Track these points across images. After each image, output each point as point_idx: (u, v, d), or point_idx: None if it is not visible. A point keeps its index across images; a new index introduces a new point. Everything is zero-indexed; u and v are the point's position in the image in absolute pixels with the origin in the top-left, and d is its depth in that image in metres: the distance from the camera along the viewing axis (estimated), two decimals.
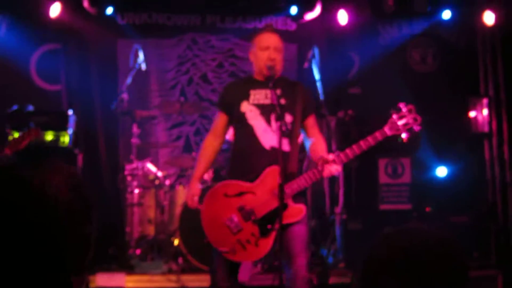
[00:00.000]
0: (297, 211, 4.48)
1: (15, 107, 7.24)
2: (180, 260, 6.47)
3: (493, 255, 7.69)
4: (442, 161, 8.34)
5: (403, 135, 4.57)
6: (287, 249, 4.39)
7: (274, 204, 4.43)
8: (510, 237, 7.80)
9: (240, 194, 4.52)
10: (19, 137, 5.59)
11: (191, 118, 8.56)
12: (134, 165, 7.13)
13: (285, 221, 4.33)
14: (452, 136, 8.64)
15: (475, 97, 8.61)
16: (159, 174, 7.30)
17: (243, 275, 6.03)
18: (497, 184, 8.39)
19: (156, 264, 6.52)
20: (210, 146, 4.78)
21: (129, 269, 6.45)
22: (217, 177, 6.60)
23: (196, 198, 4.66)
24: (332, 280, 6.43)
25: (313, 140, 4.71)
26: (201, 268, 6.18)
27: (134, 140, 7.24)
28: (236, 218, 4.48)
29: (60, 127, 7.26)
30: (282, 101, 4.54)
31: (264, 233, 4.46)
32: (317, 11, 8.71)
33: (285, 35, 8.73)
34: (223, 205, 4.52)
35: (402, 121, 4.55)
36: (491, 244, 7.81)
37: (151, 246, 6.87)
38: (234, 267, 4.67)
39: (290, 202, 4.43)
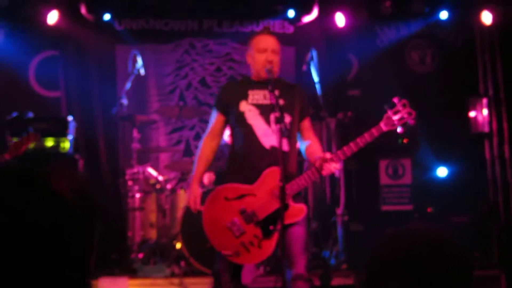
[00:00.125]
0: (298, 211, 4.49)
1: (14, 114, 7.24)
2: (182, 263, 6.46)
3: (495, 255, 7.68)
4: (442, 161, 8.35)
5: (399, 129, 4.59)
6: (287, 250, 4.39)
7: (275, 205, 4.43)
8: None
9: (241, 196, 4.52)
10: (18, 142, 5.60)
11: (191, 123, 8.57)
12: (135, 169, 7.14)
13: (287, 221, 4.32)
14: (452, 136, 8.64)
15: (475, 97, 8.61)
16: (160, 178, 7.30)
17: (246, 278, 6.02)
18: (498, 183, 8.39)
19: (158, 268, 6.51)
20: (208, 147, 4.77)
21: (132, 273, 6.45)
22: (219, 181, 6.59)
23: (198, 200, 4.65)
24: (335, 281, 6.42)
25: (309, 143, 4.72)
26: (203, 271, 6.18)
27: (135, 145, 7.25)
28: (238, 221, 4.48)
29: (60, 133, 7.27)
30: (281, 102, 4.54)
31: (267, 234, 4.47)
32: (314, 14, 8.72)
33: (282, 38, 8.73)
34: (224, 208, 4.52)
35: (397, 116, 4.57)
36: (493, 244, 7.80)
37: (153, 250, 6.87)
38: (237, 270, 4.67)
39: (290, 202, 4.43)
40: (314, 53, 6.85)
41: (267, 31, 4.86)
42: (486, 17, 8.45)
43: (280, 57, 4.80)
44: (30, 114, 7.35)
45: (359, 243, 7.00)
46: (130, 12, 8.68)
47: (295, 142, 4.73)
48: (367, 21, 8.85)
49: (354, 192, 7.52)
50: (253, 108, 4.63)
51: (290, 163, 4.60)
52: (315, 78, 6.82)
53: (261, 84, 4.69)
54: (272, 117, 4.58)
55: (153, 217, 7.43)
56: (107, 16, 8.47)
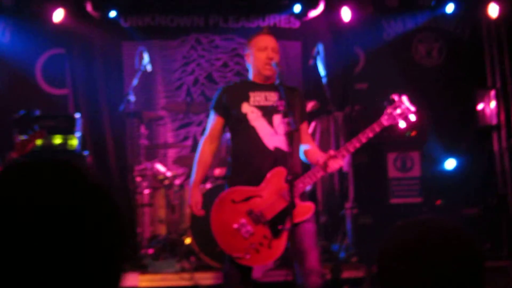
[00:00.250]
0: (306, 209, 4.50)
1: (22, 112, 7.26)
2: (192, 258, 6.47)
3: (505, 246, 7.66)
4: (451, 154, 8.33)
5: (401, 124, 4.62)
6: (298, 246, 4.39)
7: (282, 204, 4.47)
8: None
9: (247, 198, 4.52)
10: (25, 140, 5.61)
11: (198, 118, 8.57)
12: (143, 166, 7.14)
13: (296, 219, 4.32)
14: (460, 129, 8.63)
15: (483, 90, 8.59)
16: (168, 174, 7.31)
17: (256, 272, 6.03)
18: (507, 175, 8.38)
19: (168, 263, 6.51)
20: (207, 150, 4.76)
21: (142, 269, 6.45)
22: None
23: (199, 206, 4.64)
24: (345, 274, 6.42)
25: (308, 145, 4.76)
26: (213, 265, 6.18)
27: (142, 141, 7.26)
28: (246, 222, 4.48)
29: (68, 131, 7.29)
30: (282, 103, 4.55)
31: (276, 234, 4.47)
32: (320, 8, 8.71)
33: (289, 33, 8.88)
34: (231, 211, 4.52)
35: (397, 111, 4.63)
36: (503, 235, 7.78)
37: (163, 246, 6.87)
38: (247, 271, 4.67)
39: (297, 201, 4.43)
40: (320, 48, 6.84)
41: (266, 30, 4.87)
42: (493, 10, 8.42)
43: (280, 57, 4.82)
44: (37, 112, 7.36)
45: (368, 236, 6.99)
46: (136, 9, 8.69)
47: (298, 143, 4.73)
48: (373, 15, 8.84)
49: (363, 186, 7.50)
50: (256, 110, 4.63)
51: (295, 163, 4.60)
52: (322, 72, 6.81)
53: (262, 85, 4.72)
54: (274, 118, 4.60)
55: (162, 213, 7.44)
56: (113, 13, 8.48)
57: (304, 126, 4.79)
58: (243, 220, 4.49)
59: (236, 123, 4.69)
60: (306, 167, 4.69)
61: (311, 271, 4.41)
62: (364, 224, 7.21)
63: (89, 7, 8.34)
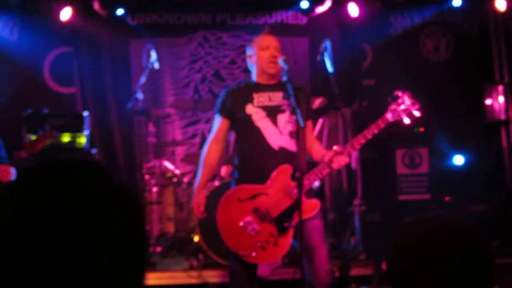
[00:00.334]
0: (312, 206, 4.51)
1: (30, 111, 7.28)
2: (200, 256, 6.47)
3: None
4: (459, 150, 8.31)
5: (406, 120, 4.63)
6: (306, 243, 4.39)
7: (288, 202, 4.49)
8: None
9: (253, 196, 4.53)
10: (35, 140, 5.62)
11: (206, 116, 8.57)
12: (151, 163, 7.15)
13: (302, 217, 4.32)
14: (468, 124, 8.61)
15: (491, 85, 8.56)
16: (177, 171, 7.32)
17: (264, 270, 6.04)
18: None
19: (177, 261, 6.51)
20: (213, 152, 4.76)
21: (151, 267, 6.46)
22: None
23: (202, 208, 4.64)
24: (353, 272, 6.41)
25: (313, 144, 4.75)
26: (221, 263, 6.18)
27: (150, 139, 7.26)
28: (252, 220, 4.49)
29: (76, 129, 7.31)
30: (286, 102, 4.55)
31: (282, 231, 4.48)
32: (327, 4, 8.70)
33: (296, 29, 8.87)
34: (237, 209, 4.53)
35: (402, 107, 4.64)
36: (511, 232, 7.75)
37: (171, 243, 6.88)
38: (253, 269, 4.68)
39: (303, 198, 4.42)
40: (328, 44, 6.82)
41: (268, 31, 4.89)
42: (500, 4, 8.38)
43: (286, 54, 4.87)
44: (45, 111, 7.38)
45: (376, 233, 6.98)
46: (143, 6, 8.71)
47: (304, 142, 4.73)
48: (380, 10, 8.82)
49: (371, 182, 7.49)
50: (260, 110, 4.64)
51: (301, 161, 4.60)
52: (330, 68, 6.79)
53: (265, 86, 4.74)
54: (279, 117, 4.62)
55: (170, 210, 7.45)
56: (120, 11, 8.50)
57: (308, 124, 4.78)
58: (249, 218, 4.49)
59: (241, 124, 4.71)
60: (311, 166, 4.69)
61: (320, 268, 4.41)
62: (372, 221, 7.20)
63: (96, 5, 8.35)
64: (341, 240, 7.10)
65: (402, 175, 7.51)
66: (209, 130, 4.85)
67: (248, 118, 4.63)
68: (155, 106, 8.27)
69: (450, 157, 8.25)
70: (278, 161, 4.54)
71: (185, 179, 7.20)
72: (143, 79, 7.08)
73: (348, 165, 7.42)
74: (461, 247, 1.68)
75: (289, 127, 4.59)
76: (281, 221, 4.48)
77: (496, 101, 8.45)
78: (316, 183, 6.87)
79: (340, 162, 4.45)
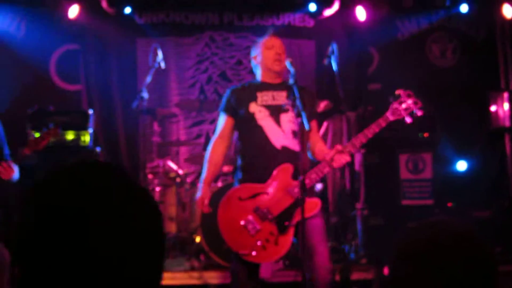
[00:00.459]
0: (313, 205, 4.50)
1: (35, 108, 7.28)
2: (202, 257, 6.48)
3: None
4: (463, 156, 8.30)
5: (407, 119, 4.63)
6: (307, 242, 4.38)
7: (289, 200, 4.50)
8: None
9: (254, 195, 4.54)
10: (39, 137, 5.62)
11: (211, 116, 8.57)
12: (155, 163, 7.16)
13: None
14: (473, 130, 8.59)
15: (496, 91, 8.55)
16: (180, 172, 7.32)
17: (265, 272, 6.03)
18: None
19: (178, 262, 6.51)
20: (218, 150, 4.78)
21: None
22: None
23: (206, 202, 4.65)
24: (354, 276, 6.40)
25: (316, 144, 4.76)
26: (223, 264, 6.18)
27: (155, 139, 7.27)
28: (253, 219, 4.50)
29: (80, 127, 7.31)
30: (290, 102, 4.56)
31: (282, 230, 4.48)
32: (335, 7, 8.71)
33: (303, 32, 8.87)
34: (238, 208, 4.54)
35: (403, 106, 4.64)
36: None
37: (173, 244, 6.87)
38: (254, 268, 4.68)
39: None
40: (334, 47, 6.82)
41: (273, 33, 4.91)
42: (507, 10, 8.38)
43: (292, 56, 4.91)
44: (51, 108, 7.38)
45: (379, 237, 6.97)
46: (151, 5, 8.72)
47: (307, 142, 4.74)
48: (388, 15, 8.82)
49: (374, 187, 7.48)
50: (263, 109, 4.66)
51: (303, 160, 4.61)
52: (336, 72, 6.79)
53: (269, 85, 4.76)
54: (282, 117, 4.62)
55: (172, 210, 7.44)
56: (127, 10, 8.51)
57: (313, 124, 4.78)
58: (250, 217, 4.50)
59: (244, 123, 4.72)
60: (313, 165, 4.69)
61: (320, 266, 4.42)
62: (375, 225, 7.19)
63: (104, 3, 8.37)
64: (342, 244, 7.09)
65: (405, 180, 7.49)
66: (214, 131, 4.87)
67: (251, 116, 4.65)
68: (160, 105, 8.27)
69: (454, 163, 8.24)
70: (281, 160, 4.54)
71: (188, 180, 7.21)
72: (149, 78, 7.09)
73: (351, 169, 7.43)
74: (464, 253, 1.68)
75: (292, 127, 4.60)
76: (282, 220, 4.48)
77: (501, 108, 8.43)
78: (319, 186, 6.87)
79: (341, 160, 4.45)
